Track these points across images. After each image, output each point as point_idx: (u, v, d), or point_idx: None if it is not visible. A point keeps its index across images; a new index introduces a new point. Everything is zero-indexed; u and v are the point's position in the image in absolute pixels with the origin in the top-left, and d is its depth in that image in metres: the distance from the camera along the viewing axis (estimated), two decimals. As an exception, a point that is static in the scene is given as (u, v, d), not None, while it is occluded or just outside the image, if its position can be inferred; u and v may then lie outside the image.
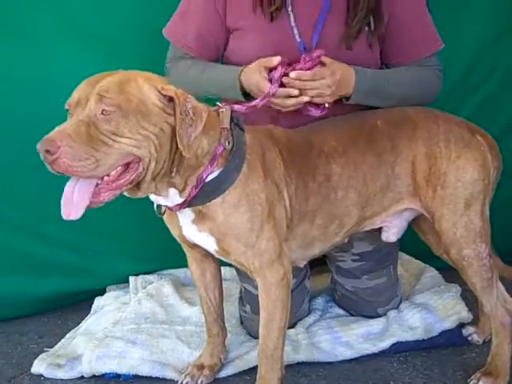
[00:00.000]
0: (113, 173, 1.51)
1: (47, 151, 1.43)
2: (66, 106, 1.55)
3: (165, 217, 1.80)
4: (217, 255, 1.82)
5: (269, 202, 1.72)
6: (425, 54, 2.05)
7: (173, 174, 1.62)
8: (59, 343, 2.22)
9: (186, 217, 1.74)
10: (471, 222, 1.81)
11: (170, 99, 1.56)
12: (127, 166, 1.53)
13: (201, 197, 1.67)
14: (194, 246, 1.82)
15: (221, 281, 2.00)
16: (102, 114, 1.49)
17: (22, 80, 2.32)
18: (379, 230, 1.99)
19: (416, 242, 2.18)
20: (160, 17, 2.13)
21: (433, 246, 2.11)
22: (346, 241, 1.98)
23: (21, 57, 2.32)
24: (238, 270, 2.08)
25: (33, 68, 2.33)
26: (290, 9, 1.95)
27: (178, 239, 1.86)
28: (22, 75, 2.32)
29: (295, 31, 1.95)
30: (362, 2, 1.94)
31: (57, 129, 1.47)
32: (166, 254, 2.56)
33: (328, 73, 1.85)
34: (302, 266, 1.97)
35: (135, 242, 2.56)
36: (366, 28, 1.98)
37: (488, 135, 1.91)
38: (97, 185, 1.52)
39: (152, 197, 1.71)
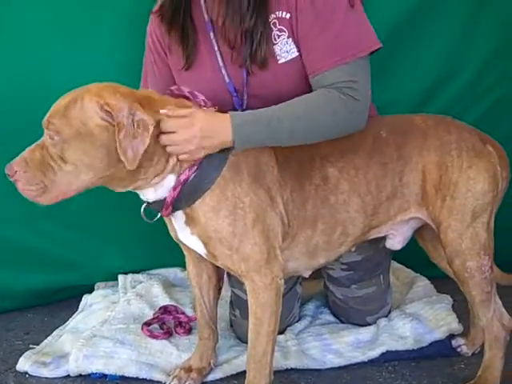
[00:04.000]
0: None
1: (8, 175, 1.59)
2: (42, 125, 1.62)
3: (165, 218, 1.79)
4: (207, 259, 1.81)
5: (254, 206, 1.70)
6: (322, 67, 1.75)
7: (144, 176, 1.65)
8: (45, 340, 2.20)
9: (178, 220, 1.74)
10: (477, 233, 1.80)
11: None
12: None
13: (182, 199, 1.68)
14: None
15: (217, 284, 1.98)
16: (50, 138, 1.57)
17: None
18: (379, 238, 1.98)
19: (408, 250, 2.16)
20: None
21: (431, 254, 2.09)
22: (353, 250, 1.96)
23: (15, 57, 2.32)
24: (228, 274, 2.06)
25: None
26: (215, 48, 1.87)
27: (176, 240, 1.85)
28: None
29: (223, 72, 1.87)
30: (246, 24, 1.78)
31: (22, 153, 1.60)
32: (155, 253, 2.57)
33: (184, 124, 1.65)
34: (306, 276, 1.95)
35: (125, 239, 2.54)
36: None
37: (498, 145, 1.89)
38: None
39: (141, 195, 1.73)
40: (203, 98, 1.74)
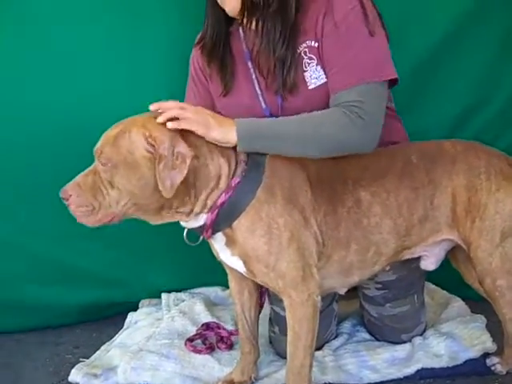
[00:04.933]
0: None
1: (63, 198, 1.71)
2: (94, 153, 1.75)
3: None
4: (248, 276, 1.91)
5: (289, 226, 1.79)
6: (337, 88, 1.86)
7: (191, 200, 1.76)
8: (95, 354, 2.31)
9: (218, 241, 1.85)
10: (506, 253, 1.86)
11: None
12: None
13: (220, 221, 1.78)
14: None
15: (258, 300, 2.07)
16: (102, 164, 1.70)
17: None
18: (413, 258, 2.05)
19: (443, 272, 2.22)
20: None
21: (464, 275, 2.16)
22: (387, 269, 2.04)
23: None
24: (268, 292, 2.15)
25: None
26: (253, 76, 2.00)
27: (218, 260, 1.95)
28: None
29: (260, 98, 1.99)
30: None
31: (75, 177, 1.73)
32: (197, 272, 2.66)
33: (195, 110, 1.78)
34: (342, 292, 2.03)
35: (168, 258, 2.64)
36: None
37: None
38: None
39: (181, 222, 1.84)
40: None
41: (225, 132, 1.77)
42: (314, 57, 1.93)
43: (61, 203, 1.75)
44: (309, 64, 1.93)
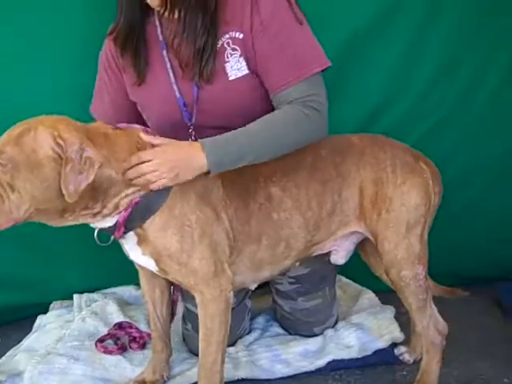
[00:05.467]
0: None
1: None
2: None
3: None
4: (160, 275, 1.89)
5: (201, 223, 1.78)
6: (284, 84, 1.86)
7: (94, 205, 1.72)
8: (0, 360, 2.22)
9: (129, 241, 1.82)
10: (411, 244, 1.91)
11: None
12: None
13: (133, 219, 1.76)
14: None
15: (169, 298, 2.05)
16: (1, 166, 1.62)
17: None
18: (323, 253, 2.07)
19: (354, 265, 2.28)
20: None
21: (373, 267, 2.21)
22: (297, 264, 2.06)
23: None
24: (181, 289, 2.13)
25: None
26: (168, 65, 1.97)
27: (129, 257, 1.92)
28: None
29: (174, 87, 1.97)
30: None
31: None
32: (110, 272, 2.60)
33: (159, 151, 1.76)
34: (252, 288, 2.04)
35: (80, 258, 2.57)
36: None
37: (431, 162, 2.01)
38: None
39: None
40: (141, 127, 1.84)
41: (195, 170, 1.76)
42: (238, 48, 1.91)
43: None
44: (231, 55, 1.92)
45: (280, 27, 1.87)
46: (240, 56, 1.92)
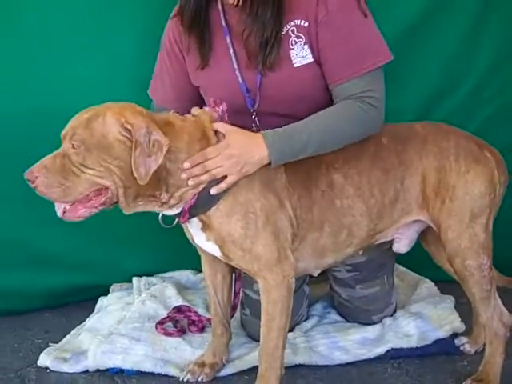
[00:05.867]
0: (90, 194, 1.71)
1: (28, 180, 1.69)
2: (61, 137, 1.74)
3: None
4: (223, 261, 1.91)
5: (265, 210, 1.80)
6: (344, 78, 1.88)
7: (161, 196, 1.76)
8: (65, 338, 2.29)
9: (194, 226, 1.85)
10: (475, 234, 1.88)
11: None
12: (100, 190, 1.72)
13: (198, 207, 1.78)
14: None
15: (231, 284, 2.08)
16: (73, 147, 1.68)
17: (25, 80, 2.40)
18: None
19: (413, 254, 2.24)
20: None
21: (435, 256, 2.18)
22: (361, 253, 2.06)
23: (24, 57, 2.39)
24: (239, 276, 2.15)
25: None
26: (231, 51, 1.98)
27: (192, 243, 1.94)
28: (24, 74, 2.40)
29: (237, 74, 1.98)
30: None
31: (41, 160, 1.72)
32: (169, 256, 2.65)
33: (222, 146, 1.78)
34: (315, 274, 2.03)
35: (139, 242, 2.62)
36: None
37: (495, 151, 1.98)
38: (74, 202, 1.73)
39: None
40: (222, 108, 1.85)
41: (258, 163, 1.79)
42: (303, 36, 1.92)
43: (28, 187, 1.72)
44: (296, 42, 1.92)
45: (345, 20, 1.88)
46: (305, 44, 1.92)
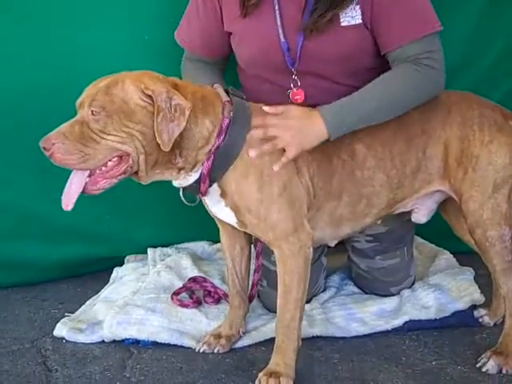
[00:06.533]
0: (109, 163, 1.70)
1: (44, 148, 1.66)
2: (76, 105, 1.71)
3: None
4: (239, 228, 1.88)
5: (281, 176, 1.77)
6: (399, 42, 1.87)
7: (176, 160, 1.74)
8: (80, 309, 2.29)
9: (214, 194, 1.82)
10: (498, 204, 1.85)
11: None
12: (121, 158, 1.70)
13: (217, 167, 1.76)
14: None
15: (249, 255, 2.06)
16: (92, 114, 1.67)
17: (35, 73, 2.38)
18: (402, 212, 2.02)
19: (431, 226, 2.20)
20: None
21: (455, 227, 2.15)
22: (379, 222, 2.03)
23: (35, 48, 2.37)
24: (255, 246, 2.12)
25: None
26: (276, 7, 1.93)
27: (210, 213, 1.92)
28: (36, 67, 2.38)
29: (280, 31, 1.94)
30: None
31: (57, 128, 1.69)
32: (184, 227, 2.63)
33: (282, 116, 1.78)
34: (332, 245, 2.02)
35: (154, 213, 2.61)
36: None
37: None
38: (93, 174, 1.71)
39: (174, 182, 1.82)
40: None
41: (316, 138, 1.78)
42: None
43: (44, 158, 1.69)
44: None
45: None
46: (356, 4, 1.88)
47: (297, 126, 1.76)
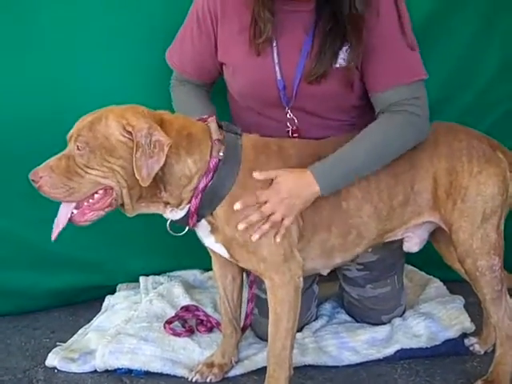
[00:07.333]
0: (96, 196, 1.74)
1: (33, 180, 1.72)
2: (67, 138, 1.77)
3: None
4: (232, 261, 1.91)
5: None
6: (386, 86, 1.90)
7: (161, 194, 1.77)
8: (72, 338, 2.28)
9: (203, 229, 1.85)
10: (487, 234, 1.88)
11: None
12: (105, 191, 1.74)
13: (205, 205, 1.78)
14: None
15: (241, 284, 2.07)
16: (78, 149, 1.72)
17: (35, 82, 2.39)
18: (395, 239, 2.04)
19: (421, 254, 2.22)
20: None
21: (445, 256, 2.17)
22: (370, 250, 2.05)
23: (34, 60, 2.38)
24: (248, 275, 2.14)
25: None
26: (274, 44, 1.96)
27: (202, 243, 1.94)
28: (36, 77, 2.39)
29: (277, 69, 1.96)
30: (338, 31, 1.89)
31: (46, 161, 1.74)
32: (176, 255, 2.63)
33: (273, 191, 1.79)
34: (325, 273, 2.03)
35: (146, 241, 2.61)
36: (341, 62, 1.92)
37: (508, 151, 1.96)
38: (81, 206, 1.76)
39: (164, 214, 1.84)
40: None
41: (310, 199, 1.82)
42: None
43: (29, 186, 1.73)
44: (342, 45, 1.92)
45: (391, 33, 1.90)
46: (349, 47, 1.90)
47: (289, 196, 1.78)
